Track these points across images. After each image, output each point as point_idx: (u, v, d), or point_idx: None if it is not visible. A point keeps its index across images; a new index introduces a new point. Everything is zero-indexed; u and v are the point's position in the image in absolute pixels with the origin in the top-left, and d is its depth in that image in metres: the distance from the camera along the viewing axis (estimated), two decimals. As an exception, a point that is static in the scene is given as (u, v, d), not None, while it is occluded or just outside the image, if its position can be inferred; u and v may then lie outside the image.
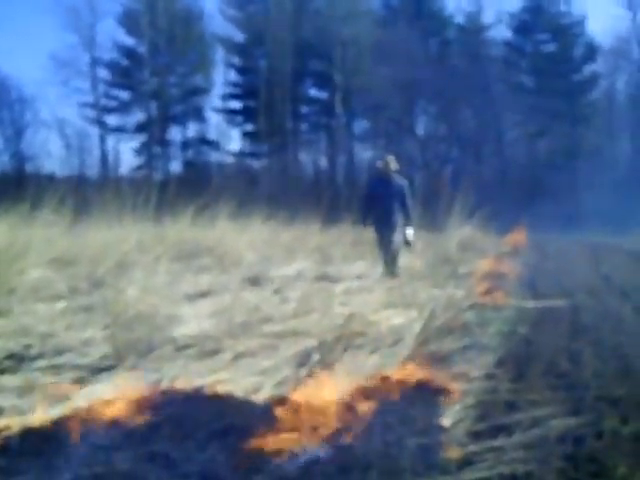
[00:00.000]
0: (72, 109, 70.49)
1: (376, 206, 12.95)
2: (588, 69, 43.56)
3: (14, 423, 4.88)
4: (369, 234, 13.60)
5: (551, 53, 43.72)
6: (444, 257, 14.90)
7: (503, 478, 3.91)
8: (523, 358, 6.86)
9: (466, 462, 4.13)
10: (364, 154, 45.73)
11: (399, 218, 12.92)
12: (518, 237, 22.57)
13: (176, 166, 45.06)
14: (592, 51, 42.95)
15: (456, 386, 5.63)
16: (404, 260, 13.48)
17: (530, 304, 9.93)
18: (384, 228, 12.91)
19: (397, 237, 12.86)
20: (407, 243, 13.02)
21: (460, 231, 17.28)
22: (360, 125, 46.37)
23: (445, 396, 5.38)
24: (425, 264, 13.86)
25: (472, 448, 4.33)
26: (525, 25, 44.20)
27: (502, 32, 45.71)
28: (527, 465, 4.04)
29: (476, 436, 4.56)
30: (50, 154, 56.59)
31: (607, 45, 43.27)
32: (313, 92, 46.99)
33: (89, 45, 41.57)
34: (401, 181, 13.13)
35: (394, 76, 38.29)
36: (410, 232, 12.99)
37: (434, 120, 45.61)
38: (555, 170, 37.69)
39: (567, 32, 43.15)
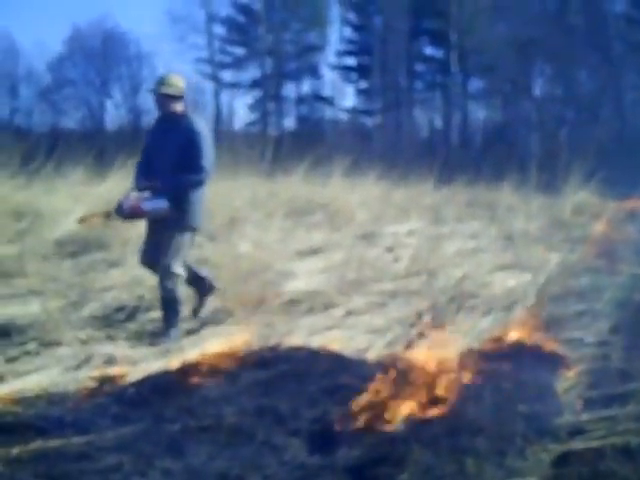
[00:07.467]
0: (188, 65, 71.18)
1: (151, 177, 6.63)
2: None
3: (127, 373, 5.03)
4: (486, 194, 12.91)
5: (678, 8, 41.84)
6: (559, 221, 14.60)
7: (615, 449, 3.82)
8: (638, 326, 6.72)
9: (578, 430, 4.07)
10: (479, 113, 45.12)
11: (179, 204, 6.55)
12: (636, 203, 21.99)
13: (290, 122, 45.14)
14: None
15: (569, 352, 5.54)
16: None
17: (646, 271, 9.70)
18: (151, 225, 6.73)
19: (171, 251, 6.35)
20: (201, 286, 6.90)
21: (576, 195, 16.90)
22: (475, 84, 45.62)
23: (558, 362, 5.31)
24: (540, 227, 13.58)
25: (584, 416, 4.26)
26: (650, -22, 42.40)
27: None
28: (640, 437, 3.96)
29: (588, 404, 4.49)
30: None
31: None
32: (428, 50, 46.17)
33: (205, 1, 41.83)
34: (193, 125, 6.48)
35: (510, 35, 37.58)
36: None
37: (551, 80, 44.43)
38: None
39: (697, -16, 41.21)
